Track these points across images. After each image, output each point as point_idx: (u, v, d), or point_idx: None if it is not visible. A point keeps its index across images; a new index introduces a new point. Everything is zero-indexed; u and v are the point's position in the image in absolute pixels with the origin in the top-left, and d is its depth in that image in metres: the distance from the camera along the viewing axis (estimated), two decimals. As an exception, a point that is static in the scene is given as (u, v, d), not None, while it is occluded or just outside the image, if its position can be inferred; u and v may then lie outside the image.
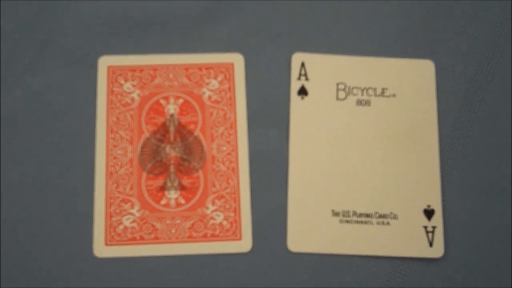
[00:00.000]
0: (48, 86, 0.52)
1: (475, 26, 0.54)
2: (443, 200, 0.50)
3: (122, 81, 0.52)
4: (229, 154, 0.51)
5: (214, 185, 0.50)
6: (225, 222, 0.49)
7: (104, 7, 0.54)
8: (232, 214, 0.49)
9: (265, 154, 0.51)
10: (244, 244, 0.49)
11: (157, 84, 0.52)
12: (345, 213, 0.49)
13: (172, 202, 0.50)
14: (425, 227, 0.49)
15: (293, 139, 0.51)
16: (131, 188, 0.50)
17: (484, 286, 0.48)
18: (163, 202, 0.50)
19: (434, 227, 0.49)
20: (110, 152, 0.50)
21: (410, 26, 0.54)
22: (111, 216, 0.49)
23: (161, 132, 0.51)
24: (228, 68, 0.53)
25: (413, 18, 0.54)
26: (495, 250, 0.49)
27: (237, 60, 0.53)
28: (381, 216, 0.49)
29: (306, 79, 0.52)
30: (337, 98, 0.52)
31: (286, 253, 0.49)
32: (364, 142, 0.51)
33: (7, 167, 0.50)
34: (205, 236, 0.49)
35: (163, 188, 0.50)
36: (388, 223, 0.49)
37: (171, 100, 0.52)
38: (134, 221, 0.49)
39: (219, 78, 0.53)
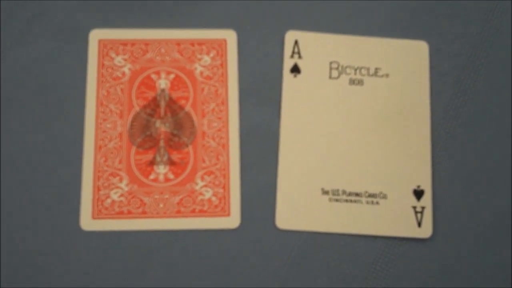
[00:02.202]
0: (38, 59, 0.51)
1: (470, 7, 0.54)
2: (433, 181, 0.50)
3: (113, 55, 0.52)
4: (219, 130, 0.50)
5: (204, 161, 0.50)
6: (214, 198, 0.49)
7: (97, -21, 0.54)
8: (221, 190, 0.49)
9: (256, 131, 0.51)
10: (232, 220, 0.49)
11: (149, 58, 0.52)
12: (335, 192, 0.49)
13: (161, 177, 0.49)
14: (414, 208, 0.49)
15: (284, 117, 0.51)
16: (119, 162, 0.49)
17: (471, 266, 0.48)
18: (152, 176, 0.49)
19: (423, 208, 0.49)
20: (100, 125, 0.50)
21: (405, 7, 0.54)
22: (99, 190, 0.49)
23: (152, 107, 0.51)
24: (221, 44, 0.52)
25: (408, -2, 0.54)
26: (483, 231, 0.49)
27: (230, 37, 0.53)
28: (370, 195, 0.49)
29: (299, 57, 0.52)
30: (330, 77, 0.52)
31: (274, 230, 0.49)
32: (355, 121, 0.51)
33: (-6, 138, 0.50)
34: (193, 211, 0.49)
35: (152, 163, 0.49)
36: (377, 203, 0.49)
37: (162, 75, 0.51)
38: (122, 195, 0.49)
39: (212, 54, 0.52)
